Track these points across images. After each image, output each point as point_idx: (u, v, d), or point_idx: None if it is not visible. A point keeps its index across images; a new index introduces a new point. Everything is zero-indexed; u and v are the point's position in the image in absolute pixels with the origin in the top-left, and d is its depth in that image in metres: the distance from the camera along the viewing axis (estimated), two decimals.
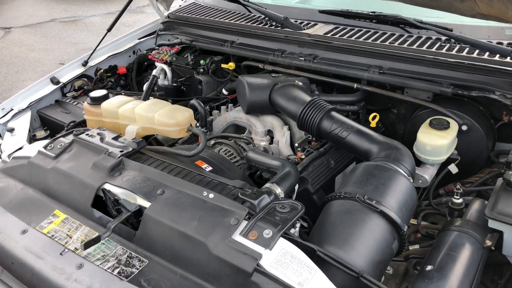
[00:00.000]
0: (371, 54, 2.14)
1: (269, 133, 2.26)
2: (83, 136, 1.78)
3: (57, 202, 1.60)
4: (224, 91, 2.70)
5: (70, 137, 1.80)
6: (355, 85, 2.15)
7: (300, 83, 2.21)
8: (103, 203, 1.56)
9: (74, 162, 1.68)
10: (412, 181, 1.64)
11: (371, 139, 1.78)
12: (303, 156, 2.03)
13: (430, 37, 2.16)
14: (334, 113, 1.93)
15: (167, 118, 1.77)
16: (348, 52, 2.20)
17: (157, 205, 1.42)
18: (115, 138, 1.78)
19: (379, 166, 1.61)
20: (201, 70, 2.64)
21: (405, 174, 1.62)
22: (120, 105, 1.92)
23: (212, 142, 2.18)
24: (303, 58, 2.27)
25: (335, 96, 2.23)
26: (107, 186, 1.55)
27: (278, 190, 1.50)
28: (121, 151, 1.68)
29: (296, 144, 2.09)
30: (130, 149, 1.70)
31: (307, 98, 2.02)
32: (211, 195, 1.42)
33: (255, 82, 2.18)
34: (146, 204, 1.45)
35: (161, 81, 2.62)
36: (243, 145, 2.16)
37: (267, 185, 1.52)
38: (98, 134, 1.80)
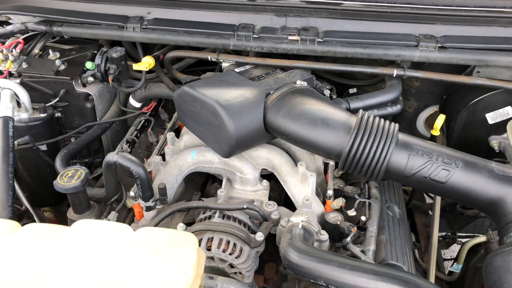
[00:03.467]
0: (410, 17, 1.29)
1: (262, 170, 1.33)
2: None
3: None
4: (133, 103, 1.59)
5: None
6: (394, 72, 1.31)
7: (304, 83, 1.28)
8: None
9: None
10: None
11: (496, 177, 1.03)
12: (352, 213, 1.20)
13: None
14: (405, 137, 1.11)
15: None
16: (372, 18, 1.30)
17: None
18: None
19: None
20: (90, 79, 1.44)
21: None
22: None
23: (181, 227, 1.15)
24: (298, 38, 1.29)
25: (368, 96, 1.33)
26: None
27: None
28: None
29: (330, 192, 1.22)
30: None
31: (346, 116, 1.13)
32: None
33: (234, 100, 1.16)
34: None
35: (15, 117, 1.34)
36: (238, 216, 1.19)
37: None
38: None
